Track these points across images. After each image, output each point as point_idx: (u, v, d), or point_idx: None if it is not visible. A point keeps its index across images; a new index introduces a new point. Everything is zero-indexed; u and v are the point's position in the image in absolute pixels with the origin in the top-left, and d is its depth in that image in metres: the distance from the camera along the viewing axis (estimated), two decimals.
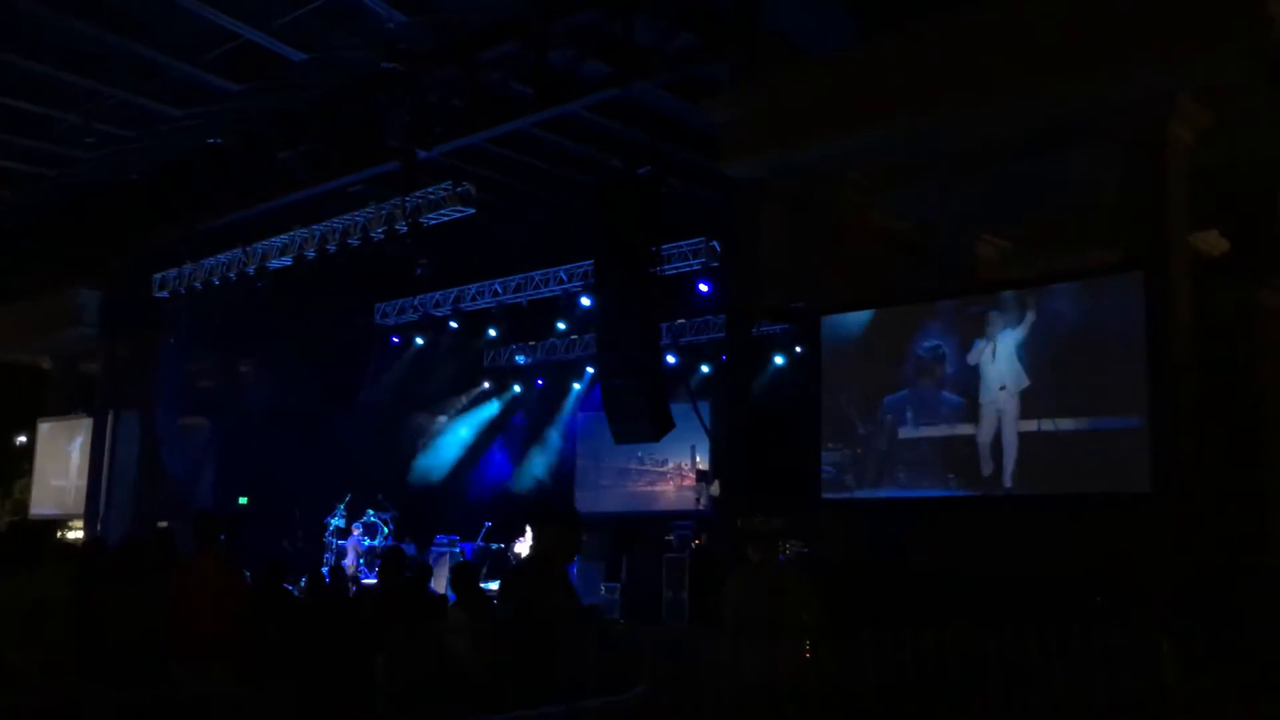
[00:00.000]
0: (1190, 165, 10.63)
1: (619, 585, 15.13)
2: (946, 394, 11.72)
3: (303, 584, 15.16)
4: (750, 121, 12.46)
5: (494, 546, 19.83)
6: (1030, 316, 11.21)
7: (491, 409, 24.02)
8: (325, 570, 17.16)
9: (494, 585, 18.85)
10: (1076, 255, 12.49)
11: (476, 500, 22.60)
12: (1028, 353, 11.13)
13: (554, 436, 23.21)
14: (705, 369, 20.36)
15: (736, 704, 7.29)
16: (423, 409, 23.25)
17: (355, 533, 19.35)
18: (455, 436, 23.65)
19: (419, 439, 23.23)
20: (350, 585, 14.73)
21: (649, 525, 17.22)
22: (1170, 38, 9.76)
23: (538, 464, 23.20)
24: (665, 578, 14.00)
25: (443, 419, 23.72)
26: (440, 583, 16.96)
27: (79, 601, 6.72)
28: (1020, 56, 10.54)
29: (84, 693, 5.67)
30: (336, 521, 19.59)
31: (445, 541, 19.52)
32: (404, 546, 18.62)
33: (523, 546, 18.96)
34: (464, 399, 23.96)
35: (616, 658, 11.34)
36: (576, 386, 22.78)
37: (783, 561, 8.81)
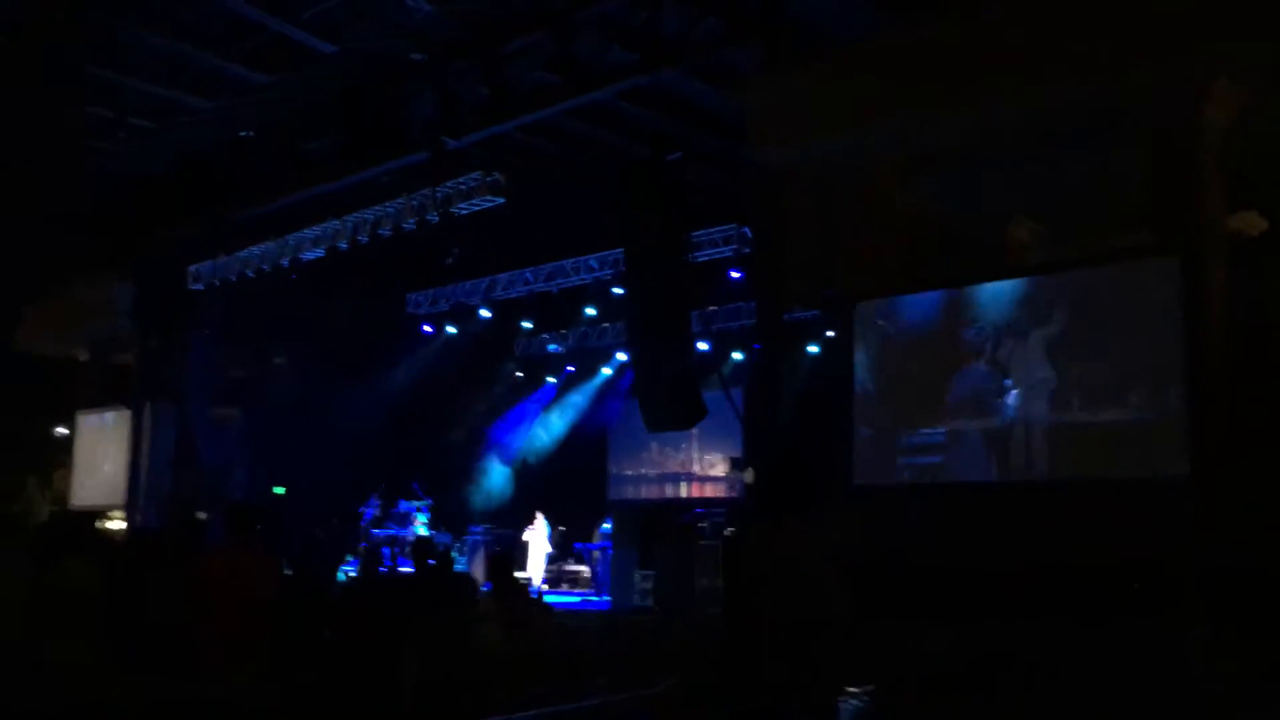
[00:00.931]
0: (1227, 146, 10.45)
1: (653, 573, 15.13)
2: (982, 379, 11.62)
3: (346, 572, 15.31)
4: (778, 108, 12.37)
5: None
6: (1064, 301, 11.09)
7: (524, 397, 24.06)
8: (386, 552, 17.32)
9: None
10: (1111, 240, 12.32)
11: (510, 488, 22.65)
12: (1062, 337, 11.01)
13: (587, 424, 23.20)
14: (737, 356, 20.28)
15: (769, 695, 7.28)
16: (455, 398, 23.31)
17: (400, 520, 19.48)
18: (489, 425, 23.70)
19: (452, 429, 23.29)
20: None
21: (681, 513, 17.16)
22: (1205, 21, 9.59)
23: (570, 452, 23.20)
24: (698, 566, 13.99)
25: (476, 408, 23.76)
26: (478, 571, 17.06)
27: (113, 592, 6.79)
28: (1052, 42, 10.39)
29: (116, 684, 5.71)
30: (371, 511, 19.69)
31: (479, 530, 19.60)
32: (438, 536, 18.73)
33: (531, 535, 18.99)
34: (496, 388, 24.01)
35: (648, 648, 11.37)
36: (607, 372, 22.76)
37: (814, 551, 8.76)
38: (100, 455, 22.42)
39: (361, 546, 18.98)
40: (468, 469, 22.96)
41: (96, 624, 6.17)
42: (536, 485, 22.58)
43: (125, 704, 5.44)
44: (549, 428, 23.51)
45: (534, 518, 19.16)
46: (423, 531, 19.07)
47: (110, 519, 21.40)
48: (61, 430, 25.32)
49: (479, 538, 19.65)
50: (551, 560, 19.44)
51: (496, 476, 23.21)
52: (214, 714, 5.70)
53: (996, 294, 11.79)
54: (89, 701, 5.24)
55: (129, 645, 6.24)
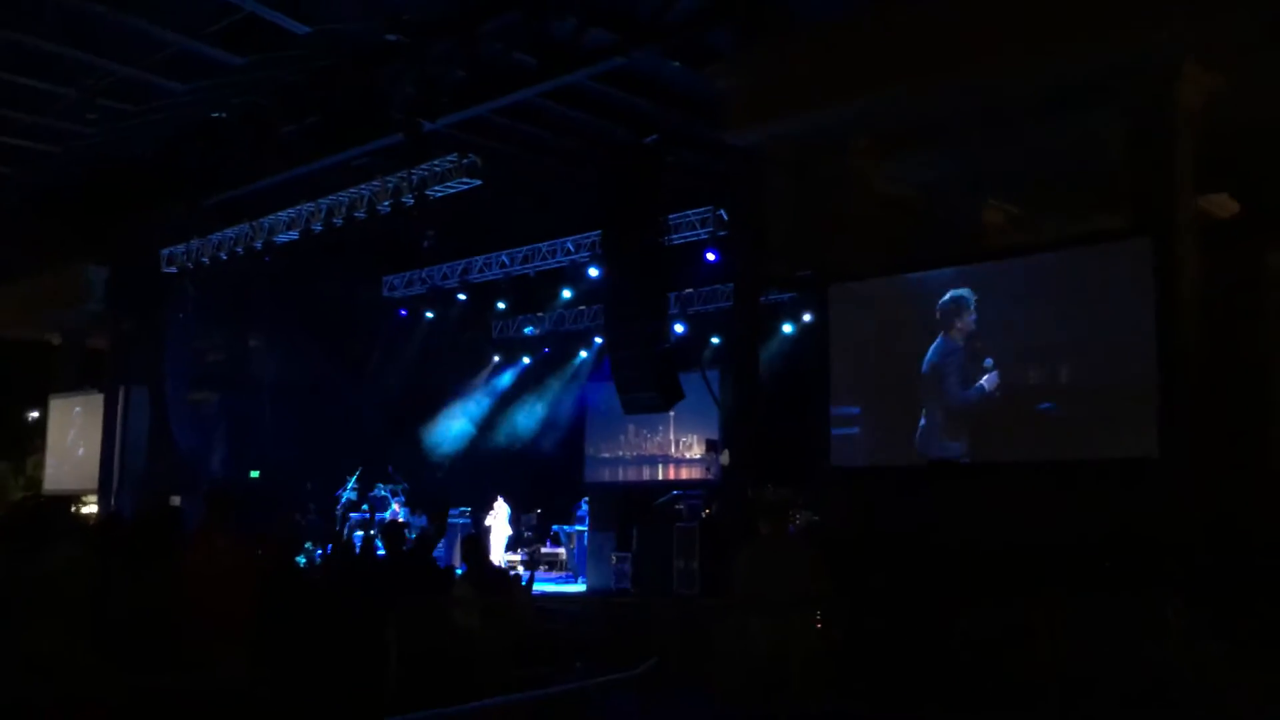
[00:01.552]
0: (1199, 128, 10.54)
1: (630, 555, 15.17)
2: (957, 360, 11.72)
3: (321, 555, 15.28)
4: (753, 88, 12.39)
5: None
6: (1038, 282, 11.18)
7: (501, 380, 24.03)
8: (358, 537, 17.28)
9: (513, 557, 19.00)
10: (1084, 220, 12.43)
11: (486, 471, 22.63)
12: (1036, 318, 11.11)
13: (563, 408, 23.21)
14: (715, 339, 20.33)
15: (746, 675, 7.33)
16: (431, 381, 23.26)
17: (375, 504, 19.44)
18: (464, 408, 23.67)
19: (428, 411, 23.25)
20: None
21: (658, 495, 17.20)
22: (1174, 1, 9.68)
23: (547, 435, 23.21)
24: (676, 548, 14.04)
25: (452, 390, 23.73)
26: (455, 556, 17.04)
27: (93, 579, 6.76)
28: (1025, 19, 10.44)
29: (98, 673, 5.69)
30: (348, 495, 19.65)
31: (458, 514, 19.59)
32: (415, 519, 18.71)
33: (492, 519, 19.00)
34: (472, 371, 23.97)
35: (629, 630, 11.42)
36: (584, 355, 22.77)
37: (792, 532, 8.82)
38: (74, 440, 22.30)
39: (338, 530, 18.94)
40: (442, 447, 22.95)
41: (77, 611, 6.14)
42: (512, 468, 22.59)
43: (108, 692, 5.43)
44: (525, 411, 23.50)
45: (494, 503, 19.16)
46: (400, 516, 19.05)
47: (84, 504, 21.31)
48: (34, 414, 25.18)
49: (456, 520, 19.65)
50: (526, 543, 19.47)
51: (457, 425, 23.17)
52: (197, 700, 5.70)
53: (971, 276, 11.87)
54: (70, 691, 5.22)
55: (109, 632, 6.21)
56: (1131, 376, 10.28)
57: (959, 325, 11.69)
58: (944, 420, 11.74)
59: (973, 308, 11.61)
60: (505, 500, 19.36)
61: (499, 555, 18.61)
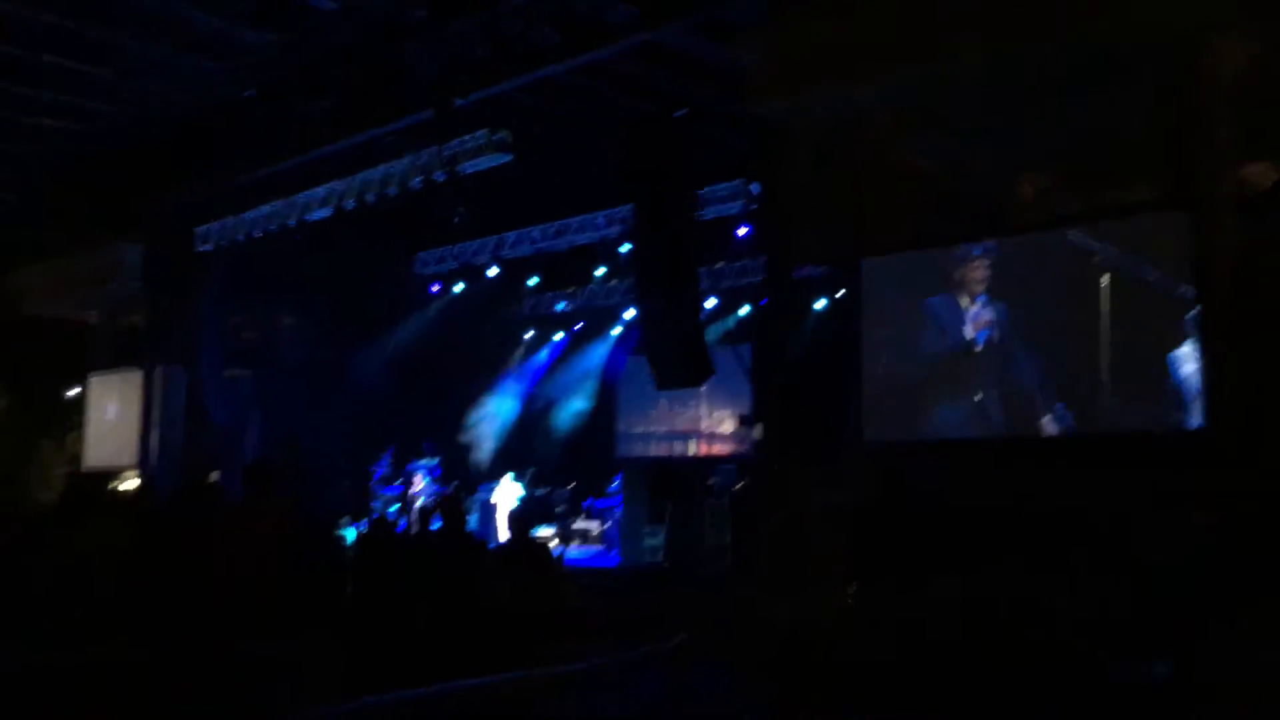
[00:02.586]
0: (1236, 96, 10.36)
1: (662, 530, 15.22)
2: (992, 334, 11.63)
3: (359, 530, 15.42)
4: (779, 62, 12.28)
5: (538, 493, 19.99)
6: (1072, 256, 11.05)
7: (535, 357, 24.11)
8: (392, 513, 17.45)
9: (545, 531, 19.09)
10: (1118, 194, 12.27)
11: (520, 445, 22.75)
12: (1071, 292, 10.99)
13: (595, 382, 23.26)
14: (745, 313, 20.27)
15: (777, 649, 7.34)
16: (464, 357, 23.35)
17: (419, 484, 19.57)
18: (497, 383, 23.76)
19: (463, 387, 23.36)
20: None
21: (691, 469, 17.22)
22: None
23: (579, 409, 23.27)
24: (707, 522, 14.06)
25: (484, 366, 23.82)
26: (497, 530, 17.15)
27: (136, 553, 6.87)
28: None
29: (141, 645, 5.78)
30: (382, 470, 19.80)
31: (487, 489, 19.70)
32: (442, 489, 18.88)
33: (498, 495, 19.04)
34: (506, 347, 24.04)
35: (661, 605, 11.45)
36: (617, 331, 22.78)
37: (823, 507, 8.81)
38: (113, 417, 22.56)
39: (374, 505, 19.11)
40: (475, 422, 23.05)
41: (124, 585, 6.24)
42: (545, 443, 22.68)
43: (152, 664, 5.51)
44: (557, 386, 23.57)
45: (501, 478, 19.23)
46: (432, 491, 19.19)
47: (123, 479, 21.58)
48: (73, 392, 25.48)
49: (488, 495, 19.76)
50: (558, 518, 19.55)
51: (504, 415, 23.25)
52: (237, 671, 5.78)
53: (1005, 250, 11.76)
54: (116, 662, 5.31)
55: (153, 605, 6.31)
56: (1173, 348, 10.17)
57: (992, 302, 11.60)
58: (978, 396, 11.65)
59: (1005, 286, 11.50)
60: (517, 478, 19.37)
61: (505, 533, 18.69)
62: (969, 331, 11.77)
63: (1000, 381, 11.51)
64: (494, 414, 23.34)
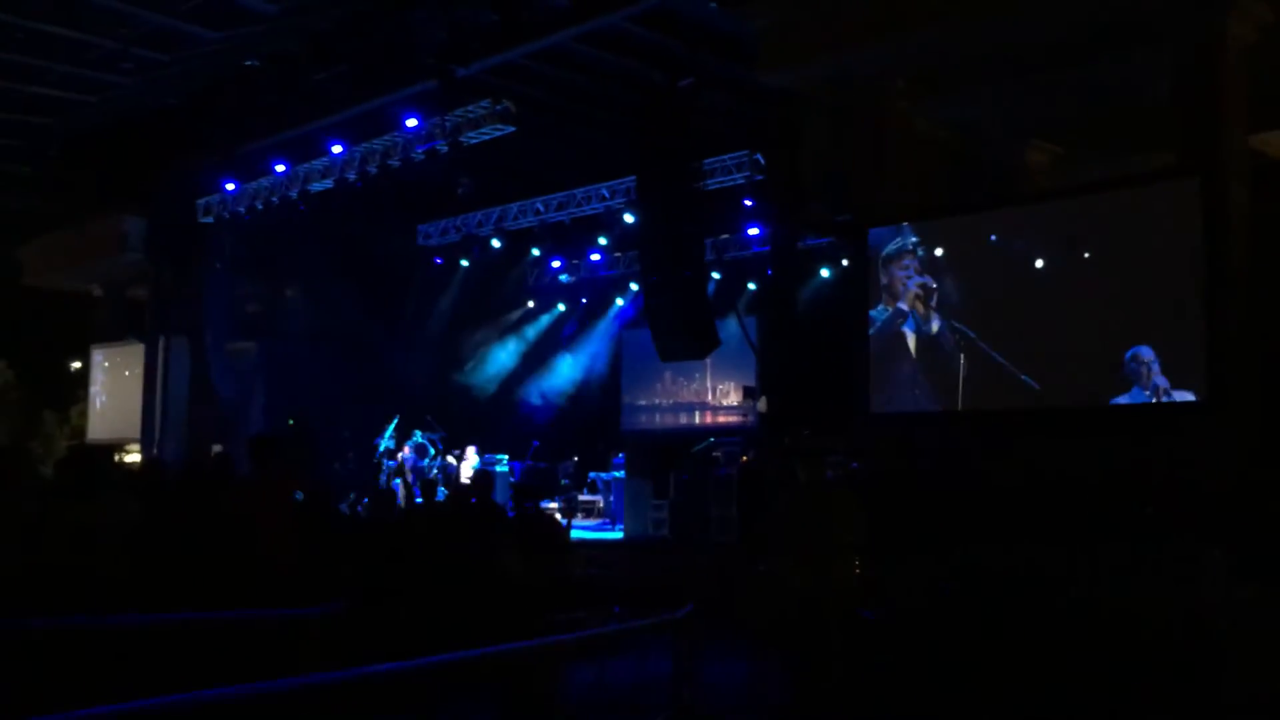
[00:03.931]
0: (1249, 63, 10.28)
1: (667, 503, 15.20)
2: (1001, 304, 11.58)
3: (362, 504, 15.40)
4: (790, 28, 12.18)
5: (542, 465, 19.97)
6: (1084, 223, 10.99)
7: (536, 327, 24.03)
8: (397, 485, 17.41)
9: (550, 505, 19.07)
10: (1131, 161, 12.19)
11: (524, 418, 22.72)
12: (1082, 260, 10.93)
13: (600, 355, 23.20)
14: (751, 285, 20.19)
15: (785, 621, 7.33)
16: (467, 328, 23.30)
17: (406, 451, 19.55)
18: (501, 356, 23.71)
19: (465, 359, 23.32)
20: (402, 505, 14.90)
21: (695, 442, 17.19)
22: None
23: (584, 382, 23.23)
24: (713, 495, 14.04)
25: (488, 338, 23.76)
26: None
27: (144, 525, 6.85)
28: None
29: (152, 615, 5.78)
30: (386, 443, 19.78)
31: (493, 460, 19.68)
32: (450, 467, 18.85)
33: (464, 466, 19.01)
34: (508, 318, 23.97)
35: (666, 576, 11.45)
36: (620, 303, 22.70)
37: (830, 479, 8.77)
38: (116, 389, 22.58)
39: (382, 478, 19.09)
40: (482, 398, 23.02)
41: (132, 557, 6.23)
42: (549, 416, 22.66)
43: (163, 634, 5.51)
44: (561, 358, 23.51)
45: (465, 450, 19.20)
46: (436, 463, 19.18)
47: (128, 452, 21.61)
48: (77, 364, 25.50)
49: (492, 468, 19.73)
50: (563, 491, 19.54)
51: (517, 392, 23.23)
52: (243, 642, 5.78)
53: (1013, 218, 11.70)
54: (126, 631, 5.31)
55: (164, 577, 6.31)
56: (1178, 318, 10.12)
57: (1002, 271, 11.54)
58: (987, 366, 11.62)
59: (1014, 254, 11.45)
60: (476, 449, 19.37)
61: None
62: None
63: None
64: (499, 375, 23.27)
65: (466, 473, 18.55)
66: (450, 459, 19.18)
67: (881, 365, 12.34)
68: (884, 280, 12.30)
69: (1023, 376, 11.14)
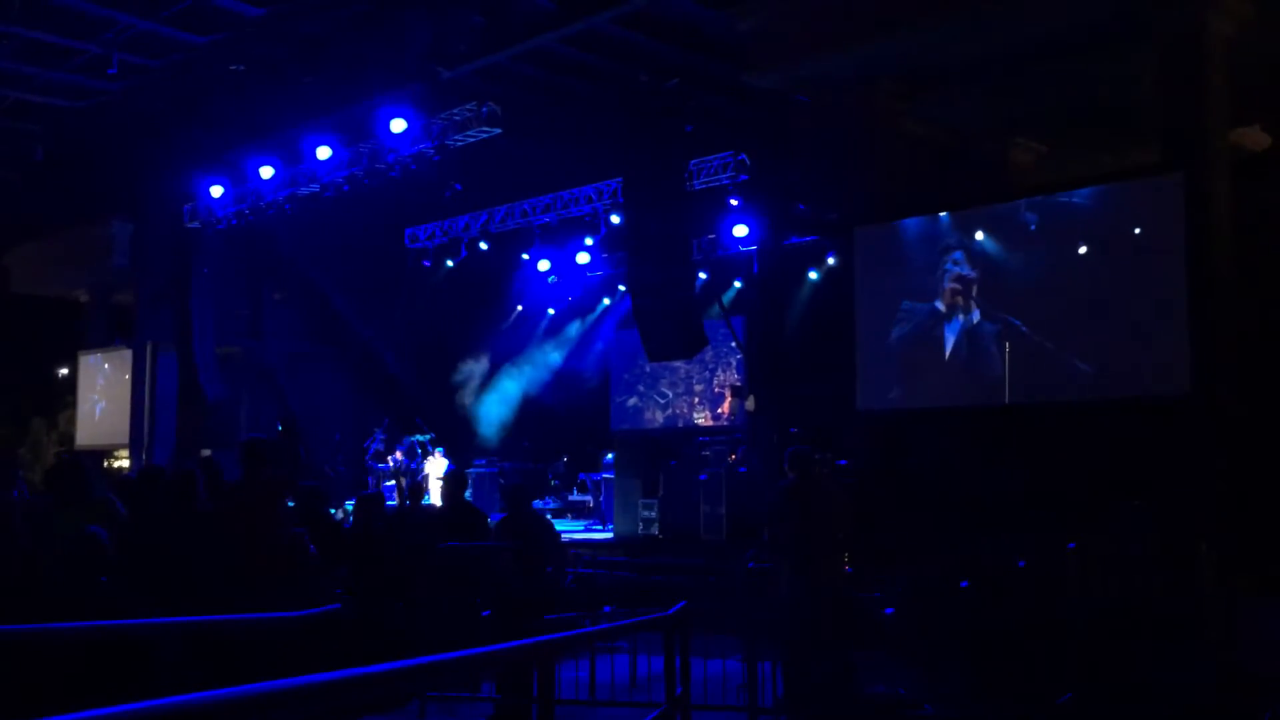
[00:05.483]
0: (1231, 60, 10.36)
1: (656, 502, 15.23)
2: (984, 302, 11.64)
3: (349, 507, 15.41)
4: (777, 29, 12.24)
5: (531, 465, 20.01)
6: (1067, 220, 11.06)
7: (525, 328, 24.04)
8: (391, 488, 17.38)
9: (540, 506, 19.08)
10: (1114, 157, 12.28)
11: (513, 419, 22.74)
12: (1066, 258, 11.01)
13: (588, 356, 23.22)
14: (738, 284, 20.23)
15: (775, 618, 7.38)
16: (455, 331, 23.30)
17: (398, 455, 19.56)
18: (489, 358, 23.72)
19: (453, 362, 23.31)
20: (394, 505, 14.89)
21: (685, 441, 17.23)
22: None
23: (572, 383, 23.25)
24: (702, 494, 14.08)
25: (476, 340, 23.76)
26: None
27: (134, 531, 6.87)
28: None
29: (139, 621, 5.79)
30: (376, 446, 19.78)
31: (484, 463, 19.71)
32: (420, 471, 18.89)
33: (430, 467, 19.02)
34: (496, 319, 23.97)
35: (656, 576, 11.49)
36: (606, 301, 22.74)
37: (817, 476, 8.82)
38: (104, 395, 22.53)
39: (369, 481, 19.09)
40: (472, 400, 23.02)
41: (122, 563, 6.24)
42: (541, 416, 22.67)
43: (152, 641, 5.52)
44: (550, 360, 23.53)
45: (433, 451, 19.21)
46: (415, 466, 19.17)
47: (116, 458, 21.57)
48: (65, 371, 25.42)
49: (483, 470, 19.76)
50: (553, 491, 19.57)
51: (506, 394, 23.20)
52: (240, 648, 5.80)
53: (997, 215, 11.77)
54: (116, 639, 5.32)
55: (152, 583, 6.32)
56: (1163, 313, 10.19)
57: (984, 270, 11.60)
58: (970, 363, 11.69)
59: (997, 252, 11.50)
60: (445, 454, 19.34)
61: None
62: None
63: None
64: (485, 388, 23.30)
65: (434, 474, 18.55)
66: (425, 462, 19.16)
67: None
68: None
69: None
